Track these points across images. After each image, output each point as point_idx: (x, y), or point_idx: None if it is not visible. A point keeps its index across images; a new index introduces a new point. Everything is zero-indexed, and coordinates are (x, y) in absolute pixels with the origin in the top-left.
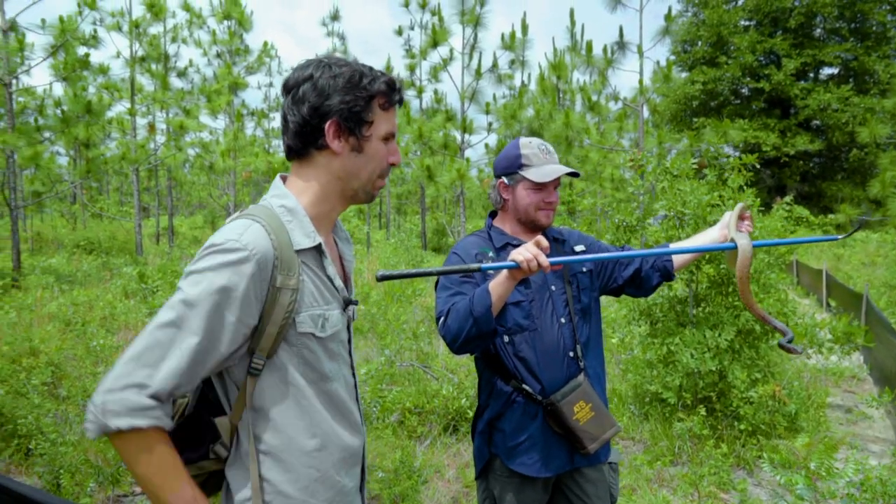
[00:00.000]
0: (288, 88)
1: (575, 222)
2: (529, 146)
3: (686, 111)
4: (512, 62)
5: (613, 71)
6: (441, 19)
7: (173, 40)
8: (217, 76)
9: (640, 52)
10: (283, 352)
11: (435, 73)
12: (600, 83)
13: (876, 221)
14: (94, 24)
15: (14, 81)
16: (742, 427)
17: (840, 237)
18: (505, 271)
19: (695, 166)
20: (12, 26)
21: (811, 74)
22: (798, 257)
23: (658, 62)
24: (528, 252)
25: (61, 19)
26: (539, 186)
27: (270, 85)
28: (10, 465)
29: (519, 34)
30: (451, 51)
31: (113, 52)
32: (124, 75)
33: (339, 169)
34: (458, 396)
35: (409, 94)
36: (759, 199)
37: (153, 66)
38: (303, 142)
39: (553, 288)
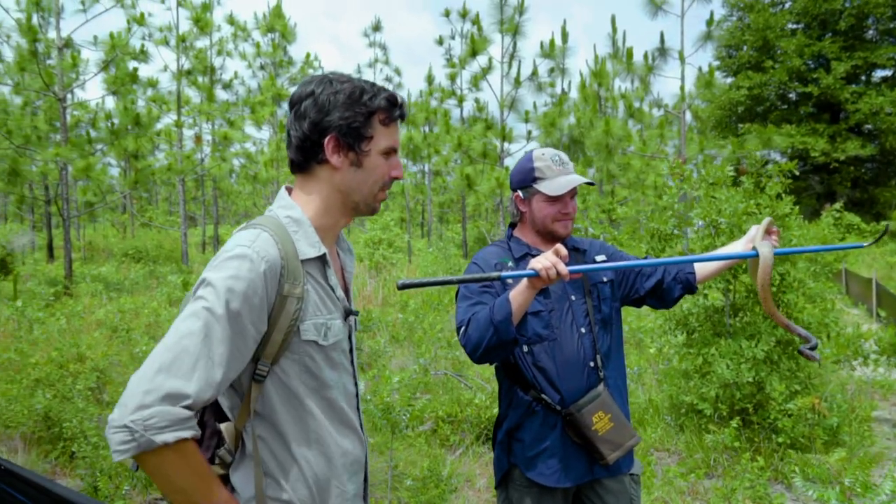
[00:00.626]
0: (292, 104)
1: (616, 230)
2: (542, 159)
3: (731, 117)
4: (551, 70)
5: (655, 77)
6: (480, 28)
7: (219, 53)
8: (261, 87)
9: (682, 58)
10: (286, 359)
11: (475, 82)
12: (642, 90)
13: None
14: (143, 39)
15: (69, 96)
16: (780, 440)
17: (865, 244)
18: (525, 280)
19: (732, 173)
20: (67, 43)
21: (862, 77)
22: (847, 266)
23: (700, 68)
24: (548, 261)
25: (112, 35)
26: (554, 199)
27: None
28: (56, 466)
29: (559, 42)
30: (490, 60)
31: (161, 65)
32: (171, 88)
33: (339, 183)
34: (491, 405)
35: (450, 104)
36: (797, 207)
37: (199, 79)
38: (304, 156)
39: (573, 298)
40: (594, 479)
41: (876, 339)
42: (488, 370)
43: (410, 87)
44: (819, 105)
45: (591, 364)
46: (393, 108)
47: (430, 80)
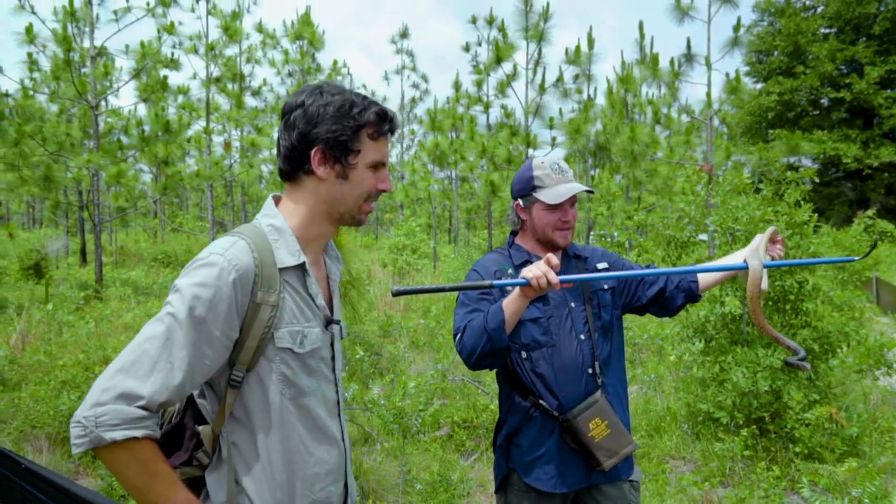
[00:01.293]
0: (283, 113)
1: (641, 236)
2: (542, 167)
3: (761, 123)
4: (576, 76)
5: (682, 83)
6: (505, 35)
7: (248, 61)
8: (289, 94)
9: (709, 64)
10: (262, 365)
11: (501, 89)
12: (670, 96)
13: None
14: (174, 47)
15: (103, 103)
16: (797, 450)
17: (857, 258)
18: (517, 289)
19: (749, 180)
20: (100, 52)
21: None
22: (879, 274)
23: (727, 74)
24: (539, 270)
25: (142, 44)
26: (553, 207)
27: None
28: (80, 466)
29: (585, 48)
30: (515, 66)
31: (191, 73)
32: (201, 96)
33: (325, 194)
34: None
35: (477, 110)
36: (815, 215)
37: (229, 86)
38: (291, 166)
39: (573, 305)
40: (592, 484)
41: None
42: None
43: (438, 94)
44: (852, 110)
45: (590, 371)
46: (382, 123)
47: (457, 86)
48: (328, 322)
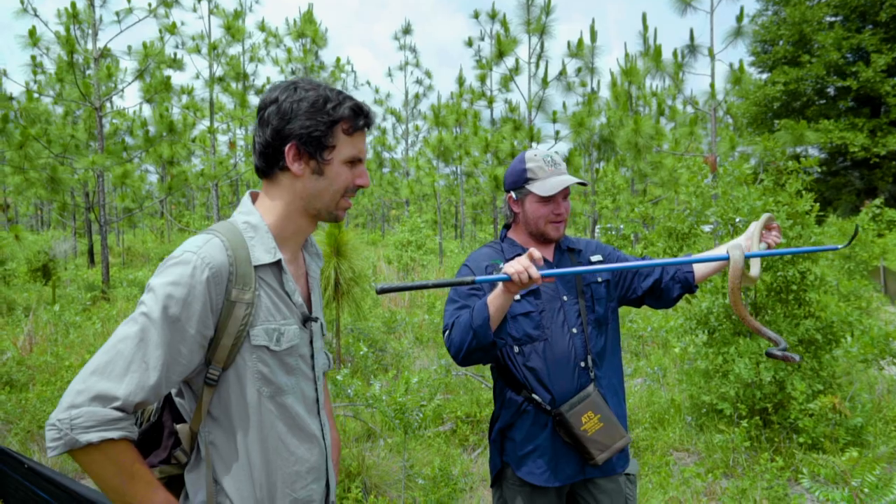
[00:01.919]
0: (258, 109)
1: (647, 230)
2: (534, 159)
3: (767, 113)
4: (579, 70)
5: (686, 75)
6: (507, 29)
7: (251, 60)
8: None
9: (712, 55)
10: (239, 363)
11: (505, 83)
12: (674, 88)
13: None
14: (176, 47)
15: (108, 104)
16: (801, 440)
17: (841, 246)
18: (500, 284)
19: (760, 169)
20: (103, 53)
21: None
22: (886, 263)
23: (731, 64)
24: (520, 265)
25: (144, 45)
26: (546, 199)
27: None
28: None
29: (588, 41)
30: (517, 61)
31: (194, 73)
32: (204, 95)
33: (300, 190)
34: None
35: (480, 105)
36: (817, 205)
37: (232, 86)
38: (267, 162)
39: (565, 298)
40: (587, 478)
41: None
42: None
43: (442, 89)
44: (858, 99)
45: (583, 364)
46: (357, 118)
47: (460, 81)
48: (306, 319)
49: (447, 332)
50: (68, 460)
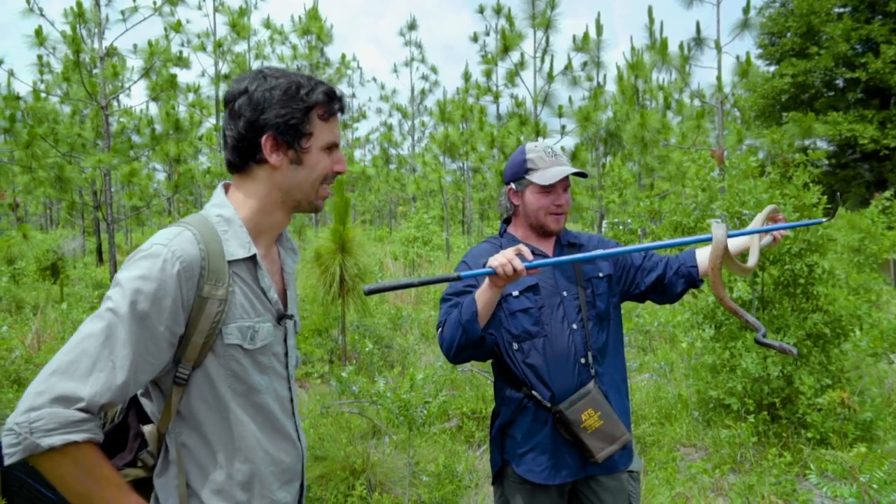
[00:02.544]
0: (226, 102)
1: (655, 224)
2: (535, 150)
3: (775, 106)
4: (584, 64)
5: (693, 68)
6: (512, 24)
7: (257, 57)
8: None
9: (719, 48)
10: (210, 362)
11: (511, 78)
12: (681, 81)
13: None
14: (182, 45)
15: (114, 103)
16: (809, 435)
17: (825, 220)
18: (487, 278)
19: (768, 162)
20: (109, 52)
21: None
22: None
23: (738, 56)
24: (504, 257)
25: (150, 43)
26: (546, 190)
27: (353, 96)
28: None
29: (593, 35)
30: (523, 55)
31: (199, 71)
32: (211, 93)
33: (279, 181)
34: None
35: (486, 100)
36: (825, 197)
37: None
38: (241, 156)
39: (565, 293)
40: (589, 475)
41: None
42: None
43: (448, 85)
44: (868, 91)
45: (583, 360)
46: (332, 102)
47: (466, 77)
48: (280, 317)
49: (440, 330)
50: None
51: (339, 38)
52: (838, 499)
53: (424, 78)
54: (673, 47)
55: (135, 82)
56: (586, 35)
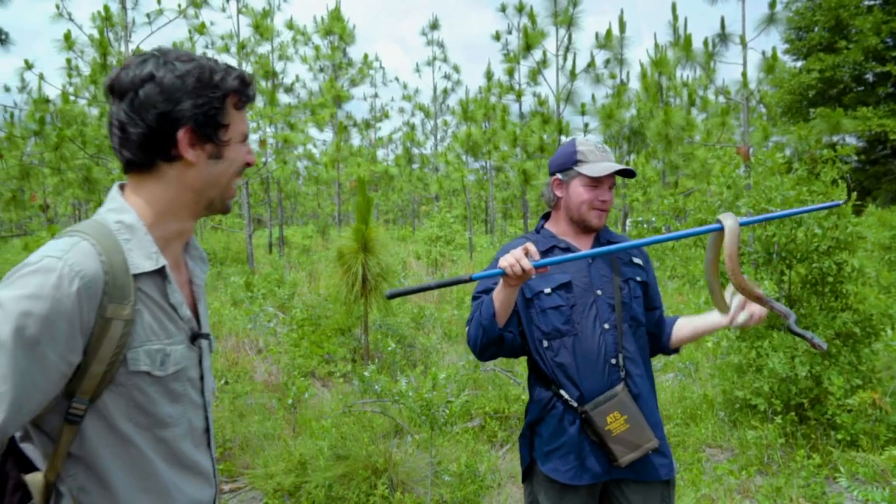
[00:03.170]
0: (122, 91)
1: (679, 222)
2: (586, 144)
3: (802, 102)
4: (607, 61)
5: (717, 64)
6: (534, 22)
7: (280, 58)
8: (322, 90)
9: (744, 43)
10: (110, 394)
11: (533, 77)
12: (706, 78)
13: None
14: (206, 47)
15: None
16: (839, 437)
17: (842, 202)
18: (502, 279)
19: (795, 159)
20: (135, 54)
21: None
22: None
23: (763, 52)
24: (512, 257)
25: (175, 45)
26: (594, 184)
27: (375, 96)
28: None
29: (616, 32)
30: (545, 53)
31: None
32: None
33: (194, 180)
34: None
35: (509, 99)
36: (854, 194)
37: (262, 84)
38: (149, 154)
39: (599, 292)
40: (620, 479)
41: None
42: None
43: (470, 84)
44: None
45: (613, 361)
46: (246, 89)
47: (488, 75)
48: (195, 336)
49: (467, 328)
50: None
51: (361, 39)
52: (870, 502)
53: (447, 77)
54: (697, 43)
55: None
56: (609, 32)
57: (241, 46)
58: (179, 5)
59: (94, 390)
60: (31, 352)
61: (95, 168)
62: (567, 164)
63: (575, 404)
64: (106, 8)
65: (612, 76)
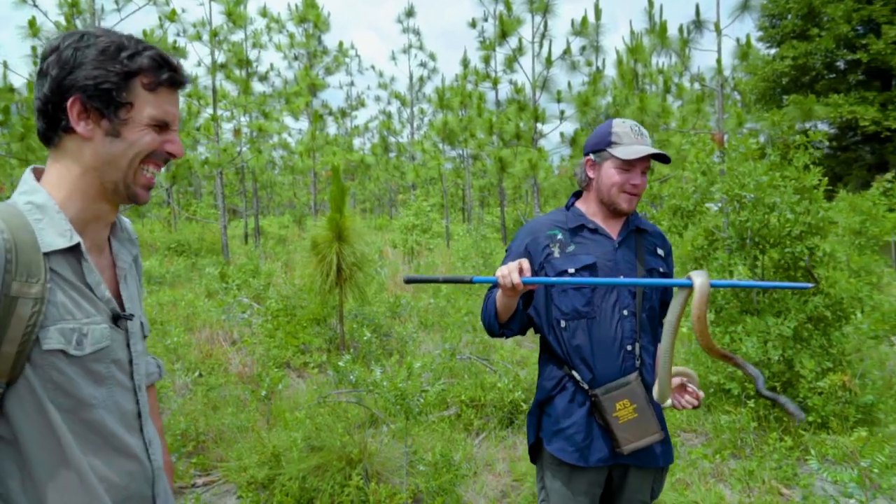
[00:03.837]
0: (39, 61)
1: (655, 209)
2: (622, 126)
3: (775, 89)
4: (583, 48)
5: (692, 51)
6: (510, 9)
7: (254, 46)
8: (297, 78)
9: (718, 30)
10: (28, 374)
11: (509, 64)
12: (681, 65)
13: None
14: (177, 35)
15: None
16: (810, 419)
17: (810, 286)
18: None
19: (768, 145)
20: None
21: None
22: None
23: (738, 39)
24: (506, 269)
25: (145, 33)
26: (626, 166)
27: (351, 84)
28: None
29: (592, 19)
30: (521, 40)
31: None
32: (207, 83)
33: (91, 157)
34: (514, 389)
35: (485, 87)
36: (825, 179)
37: (235, 72)
38: (47, 123)
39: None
40: (623, 464)
41: None
42: (518, 353)
43: (447, 72)
44: (869, 72)
45: (629, 348)
46: (159, 70)
47: (464, 63)
48: (117, 317)
49: (481, 314)
50: None
51: (336, 26)
52: (839, 483)
53: (423, 65)
54: (672, 31)
55: None
56: (585, 19)
57: (214, 34)
58: None
59: (10, 372)
60: None
61: None
62: (600, 145)
63: (586, 387)
64: None
65: (588, 63)
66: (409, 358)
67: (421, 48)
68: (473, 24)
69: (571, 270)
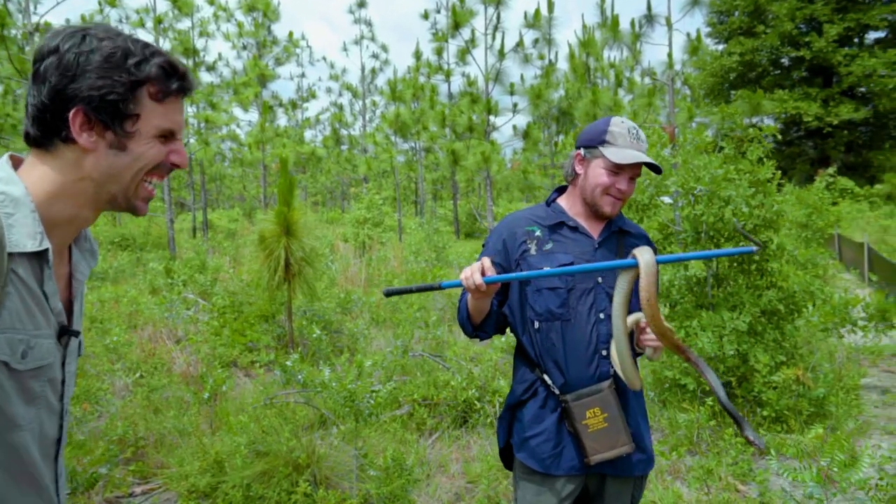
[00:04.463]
0: (33, 61)
1: None
2: (620, 125)
3: (723, 84)
4: (536, 41)
5: (643, 45)
6: (462, 0)
7: (200, 35)
8: (245, 68)
9: (669, 24)
10: None
11: (462, 56)
12: (632, 59)
13: None
14: (119, 21)
15: None
16: (765, 413)
17: (754, 249)
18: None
19: (718, 139)
20: (38, 28)
21: (855, 40)
22: (840, 231)
23: (688, 34)
24: (469, 270)
25: (83, 18)
26: (615, 169)
27: (302, 76)
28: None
29: (545, 12)
30: (474, 32)
31: None
32: None
33: (92, 168)
34: (468, 387)
35: (438, 79)
36: (779, 172)
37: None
38: (43, 130)
39: (600, 280)
40: (598, 473)
41: (864, 306)
42: (471, 350)
43: (400, 64)
44: (812, 69)
45: (604, 352)
46: (169, 79)
47: (417, 55)
48: (63, 332)
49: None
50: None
51: (287, 16)
52: (797, 481)
53: (375, 56)
54: (624, 24)
55: None
56: (538, 12)
57: (158, 21)
58: None
59: None
60: None
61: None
62: (593, 141)
63: (557, 391)
64: None
65: (541, 57)
66: (359, 356)
67: (373, 39)
68: (426, 16)
69: (547, 269)
